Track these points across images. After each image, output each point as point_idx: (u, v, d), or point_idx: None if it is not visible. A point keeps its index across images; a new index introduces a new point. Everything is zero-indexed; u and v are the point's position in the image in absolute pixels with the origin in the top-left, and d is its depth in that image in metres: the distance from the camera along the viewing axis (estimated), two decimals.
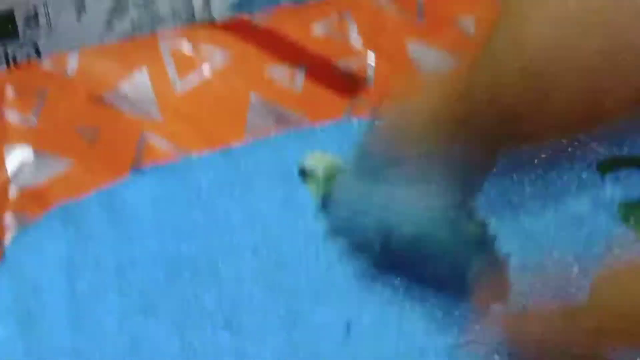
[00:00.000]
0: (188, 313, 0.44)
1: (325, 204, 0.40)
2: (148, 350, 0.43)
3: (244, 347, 0.43)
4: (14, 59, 0.56)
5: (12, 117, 0.51)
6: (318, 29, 0.54)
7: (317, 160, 0.41)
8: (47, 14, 0.56)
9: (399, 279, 0.39)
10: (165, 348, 0.43)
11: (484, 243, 0.39)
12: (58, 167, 0.50)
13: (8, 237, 0.47)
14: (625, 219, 0.49)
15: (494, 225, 0.48)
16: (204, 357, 0.43)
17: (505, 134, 0.31)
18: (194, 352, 0.43)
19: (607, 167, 0.51)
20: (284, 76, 0.52)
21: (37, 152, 0.51)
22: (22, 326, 0.44)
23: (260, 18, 0.54)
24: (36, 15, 0.56)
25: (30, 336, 0.43)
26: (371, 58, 0.53)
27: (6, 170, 0.49)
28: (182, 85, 0.52)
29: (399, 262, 0.37)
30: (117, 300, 0.45)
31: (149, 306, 0.45)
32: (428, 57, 0.53)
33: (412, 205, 0.36)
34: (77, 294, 0.45)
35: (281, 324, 0.44)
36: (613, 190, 0.50)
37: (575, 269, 0.46)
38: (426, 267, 0.37)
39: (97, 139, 0.51)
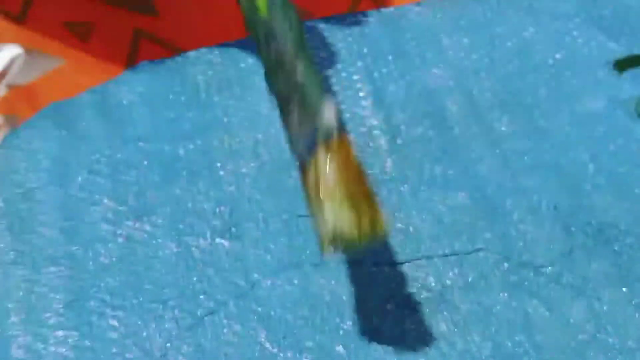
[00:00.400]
0: (185, 217, 0.43)
1: None
2: (143, 255, 0.41)
3: (244, 253, 0.41)
4: None
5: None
6: None
7: None
8: None
9: None
10: (162, 253, 0.41)
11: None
12: (49, 65, 0.48)
13: None
14: None
15: (507, 124, 0.46)
16: (202, 263, 0.41)
17: None
18: (192, 258, 0.41)
19: (625, 64, 0.48)
20: None
21: (28, 50, 0.48)
22: (12, 232, 0.42)
23: None
24: None
25: (21, 242, 0.41)
26: None
27: None
28: None
29: None
30: (112, 205, 0.43)
31: (145, 210, 0.43)
32: None
33: None
34: (70, 198, 0.43)
35: (283, 229, 0.42)
36: (631, 88, 0.47)
37: (591, 167, 0.44)
38: None
39: (89, 35, 0.49)
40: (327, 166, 0.36)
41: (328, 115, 0.37)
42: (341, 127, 0.37)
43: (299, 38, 0.39)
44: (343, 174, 0.36)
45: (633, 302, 0.40)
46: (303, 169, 0.37)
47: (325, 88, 0.38)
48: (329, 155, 0.36)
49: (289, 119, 0.38)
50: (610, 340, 0.39)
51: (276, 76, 0.39)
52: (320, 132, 0.36)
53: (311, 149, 0.37)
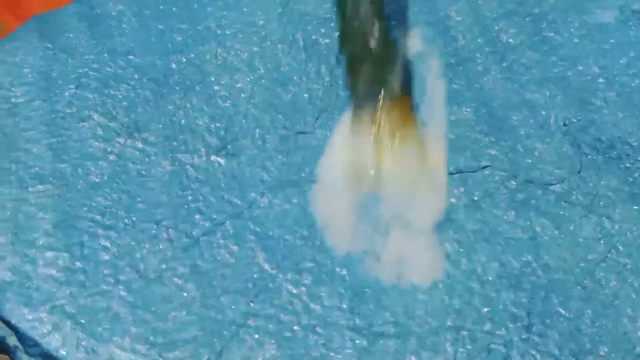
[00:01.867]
0: (179, 134, 0.41)
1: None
2: (136, 174, 0.40)
3: (240, 171, 0.40)
4: None
5: None
6: None
7: None
8: None
9: None
10: (155, 172, 0.40)
11: None
12: None
13: None
14: None
15: (514, 35, 0.44)
16: (197, 181, 0.39)
17: None
18: (187, 176, 0.40)
19: None
20: None
21: None
22: None
23: None
24: None
25: (6, 160, 0.40)
26: None
27: None
28: None
29: None
30: (102, 121, 0.41)
31: (136, 127, 0.41)
32: None
33: None
34: (57, 114, 0.41)
35: (280, 146, 0.40)
36: None
37: (601, 81, 0.43)
38: None
39: None
40: (385, 121, 0.40)
41: (394, 80, 0.41)
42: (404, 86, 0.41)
43: (378, 3, 0.42)
44: (399, 129, 0.40)
45: None
46: (356, 112, 0.41)
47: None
48: (389, 112, 0.40)
49: (358, 78, 0.42)
50: (621, 260, 0.37)
51: (352, 39, 0.42)
52: (385, 93, 0.41)
53: (374, 101, 0.41)
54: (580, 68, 0.43)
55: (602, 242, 0.38)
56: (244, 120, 0.41)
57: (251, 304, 0.36)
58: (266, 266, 0.37)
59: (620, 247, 0.38)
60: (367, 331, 0.36)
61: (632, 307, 0.36)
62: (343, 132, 0.41)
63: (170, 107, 0.42)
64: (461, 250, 0.38)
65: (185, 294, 0.37)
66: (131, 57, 0.43)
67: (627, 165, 0.40)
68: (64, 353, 0.35)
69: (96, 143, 0.40)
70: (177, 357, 0.35)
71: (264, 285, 0.37)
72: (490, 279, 0.37)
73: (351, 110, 0.41)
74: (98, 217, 0.38)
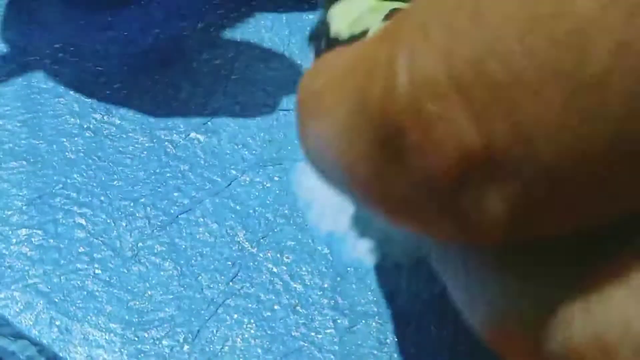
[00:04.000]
0: (157, 110, 0.40)
1: None
2: (113, 150, 0.39)
3: (220, 148, 0.39)
4: None
5: None
6: None
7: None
8: None
9: None
10: (132, 148, 0.39)
11: None
12: None
13: None
14: None
15: None
16: (175, 158, 0.38)
17: None
18: (165, 153, 0.39)
19: None
20: None
21: None
22: None
23: None
24: None
25: None
26: None
27: None
28: None
29: None
30: (78, 96, 0.40)
31: (113, 103, 0.40)
32: None
33: None
34: (32, 89, 0.40)
35: (262, 123, 0.39)
36: None
37: None
38: None
39: None
40: None
41: None
42: None
43: None
44: None
45: None
46: None
47: None
48: None
49: None
50: None
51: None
52: None
53: None
54: None
55: None
56: (223, 97, 0.40)
57: (230, 283, 0.35)
58: (246, 245, 0.36)
59: None
60: (349, 311, 0.35)
61: None
62: None
63: (149, 83, 0.40)
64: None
65: (162, 273, 0.36)
66: (109, 32, 0.42)
67: None
68: (37, 332, 0.34)
69: (72, 119, 0.39)
70: (154, 336, 0.34)
71: (244, 264, 0.36)
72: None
73: None
74: (73, 194, 0.37)
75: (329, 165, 0.18)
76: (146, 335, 0.34)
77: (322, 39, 0.38)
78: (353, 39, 0.38)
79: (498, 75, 0.12)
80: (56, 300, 0.35)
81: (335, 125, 0.16)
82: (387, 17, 0.39)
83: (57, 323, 0.34)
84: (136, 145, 0.39)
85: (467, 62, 0.13)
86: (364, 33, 0.39)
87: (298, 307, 0.35)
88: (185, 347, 0.34)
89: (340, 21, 0.40)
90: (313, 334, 0.34)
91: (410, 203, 0.15)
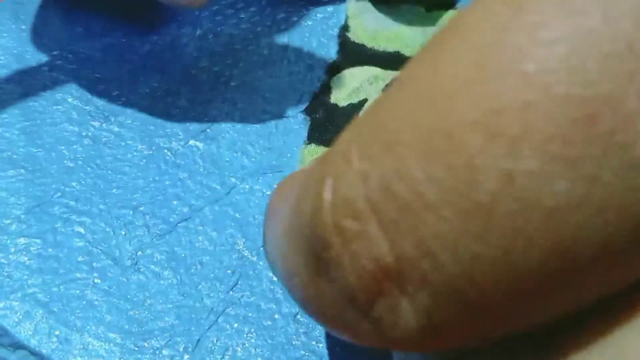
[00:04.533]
0: (156, 118, 0.39)
1: None
2: (111, 158, 0.38)
3: (219, 155, 0.39)
4: None
5: None
6: None
7: None
8: None
9: None
10: (131, 156, 0.38)
11: None
12: None
13: None
14: None
15: None
16: (175, 166, 0.38)
17: None
18: (164, 161, 0.38)
19: None
20: None
21: None
22: None
23: None
24: None
25: None
26: None
27: None
28: None
29: None
30: (76, 104, 0.40)
31: (112, 110, 0.40)
32: None
33: None
34: (30, 97, 0.40)
35: (262, 130, 0.39)
36: None
37: None
38: None
39: None
40: None
41: None
42: None
43: None
44: None
45: None
46: None
47: None
48: None
49: None
50: None
51: None
52: None
53: None
54: None
55: None
56: (222, 104, 0.40)
57: (230, 292, 0.35)
58: (246, 253, 0.36)
59: None
60: None
61: None
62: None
63: (147, 90, 0.40)
64: None
65: (162, 282, 0.35)
66: (107, 38, 0.42)
67: None
68: (36, 342, 0.34)
69: (70, 127, 0.39)
70: (154, 346, 0.34)
71: (244, 273, 0.36)
72: None
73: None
74: (72, 203, 0.37)
75: (278, 266, 0.19)
76: (146, 345, 0.34)
77: (320, 109, 0.38)
78: (351, 107, 0.39)
79: (405, 196, 0.14)
80: (55, 309, 0.34)
81: (281, 230, 0.18)
82: (388, 86, 0.40)
83: (57, 333, 0.34)
84: (135, 153, 0.38)
85: (379, 184, 0.14)
86: (362, 103, 0.39)
87: (299, 316, 0.35)
88: (186, 357, 0.34)
89: (340, 90, 0.40)
90: (314, 343, 0.34)
91: (337, 311, 0.16)
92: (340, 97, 0.40)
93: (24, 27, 0.42)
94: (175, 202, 0.37)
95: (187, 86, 0.40)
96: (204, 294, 0.35)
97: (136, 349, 0.34)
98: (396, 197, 0.14)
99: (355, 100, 0.40)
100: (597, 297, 0.14)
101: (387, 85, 0.41)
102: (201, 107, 0.40)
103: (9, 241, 0.36)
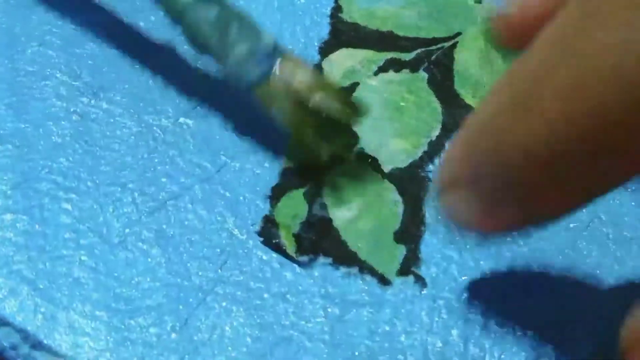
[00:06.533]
0: (146, 95, 0.39)
1: None
2: (100, 135, 0.38)
3: (210, 133, 0.38)
4: None
5: None
6: None
7: None
8: None
9: None
10: (120, 133, 0.38)
11: None
12: None
13: None
14: None
15: None
16: (164, 144, 0.38)
17: None
18: (154, 138, 0.38)
19: None
20: None
21: None
22: None
23: None
24: None
25: None
26: None
27: None
28: None
29: None
30: (65, 79, 0.39)
31: (101, 87, 0.39)
32: None
33: None
34: (18, 72, 0.39)
35: (253, 108, 0.39)
36: None
37: None
38: None
39: None
40: (293, 74, 0.35)
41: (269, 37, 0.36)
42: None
43: None
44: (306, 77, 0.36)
45: (629, 189, 0.37)
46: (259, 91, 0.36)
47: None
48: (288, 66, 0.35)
49: (229, 56, 0.36)
50: (604, 229, 0.36)
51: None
52: (273, 53, 0.36)
53: (264, 72, 0.35)
54: None
55: (584, 210, 0.36)
56: (213, 82, 0.39)
57: (219, 271, 0.35)
58: (236, 232, 0.36)
59: (602, 216, 0.36)
60: (339, 300, 0.34)
61: (614, 278, 0.35)
62: None
63: (137, 67, 0.40)
64: (438, 217, 0.36)
65: (150, 260, 0.35)
66: (97, 14, 0.41)
67: None
68: (21, 319, 0.33)
69: (59, 102, 0.39)
70: (141, 324, 0.33)
71: (233, 252, 0.35)
72: (468, 247, 0.35)
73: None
74: (60, 179, 0.37)
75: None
76: (133, 323, 0.33)
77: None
78: (343, 90, 0.38)
79: None
80: (41, 286, 0.34)
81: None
82: (381, 68, 0.39)
83: (42, 310, 0.34)
84: (124, 130, 0.38)
85: None
86: (353, 86, 0.39)
87: (288, 296, 0.34)
88: (173, 335, 0.33)
89: (332, 72, 0.39)
90: (303, 322, 0.34)
91: None
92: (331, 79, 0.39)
93: (12, 1, 0.41)
94: (164, 180, 0.37)
95: (177, 63, 0.40)
96: (193, 273, 0.35)
97: (123, 326, 0.33)
98: None
99: (346, 84, 0.39)
100: None
101: (379, 67, 0.40)
102: (192, 84, 0.39)
103: None
